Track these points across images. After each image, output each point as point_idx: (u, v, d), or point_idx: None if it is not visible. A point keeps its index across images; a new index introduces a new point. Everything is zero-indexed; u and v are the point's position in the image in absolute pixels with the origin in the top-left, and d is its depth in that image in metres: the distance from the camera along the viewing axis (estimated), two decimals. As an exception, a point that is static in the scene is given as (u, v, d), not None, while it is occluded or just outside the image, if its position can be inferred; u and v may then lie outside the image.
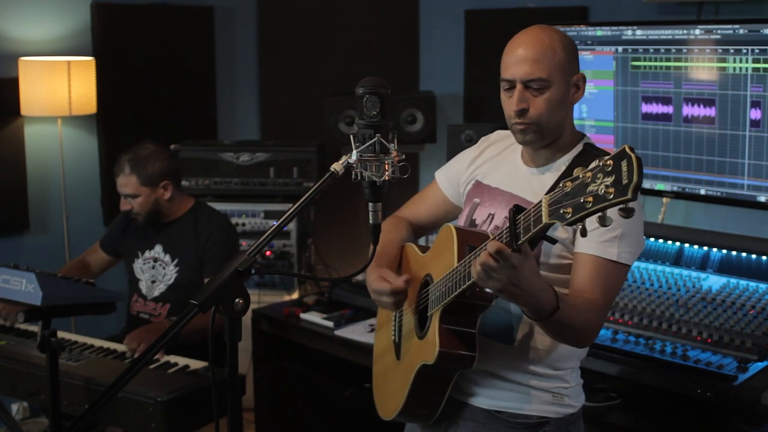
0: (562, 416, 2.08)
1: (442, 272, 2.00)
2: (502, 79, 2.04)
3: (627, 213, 1.43)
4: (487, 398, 2.09)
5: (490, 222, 2.13)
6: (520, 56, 1.99)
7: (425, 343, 2.03)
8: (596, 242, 1.93)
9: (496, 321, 2.04)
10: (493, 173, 2.21)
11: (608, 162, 1.45)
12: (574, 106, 2.09)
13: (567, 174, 2.02)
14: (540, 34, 2.02)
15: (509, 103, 2.03)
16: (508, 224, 1.69)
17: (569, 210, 1.50)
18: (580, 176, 1.50)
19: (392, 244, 2.32)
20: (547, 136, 2.04)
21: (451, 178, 2.32)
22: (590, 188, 1.46)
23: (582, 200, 1.47)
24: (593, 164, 1.48)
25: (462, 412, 2.11)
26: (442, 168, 2.38)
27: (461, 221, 2.22)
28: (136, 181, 3.33)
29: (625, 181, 1.41)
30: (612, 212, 1.49)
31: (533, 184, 2.09)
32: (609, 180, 1.43)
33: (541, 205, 1.58)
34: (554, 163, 2.09)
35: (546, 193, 1.60)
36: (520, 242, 1.66)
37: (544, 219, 1.56)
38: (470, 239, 1.98)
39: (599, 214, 1.46)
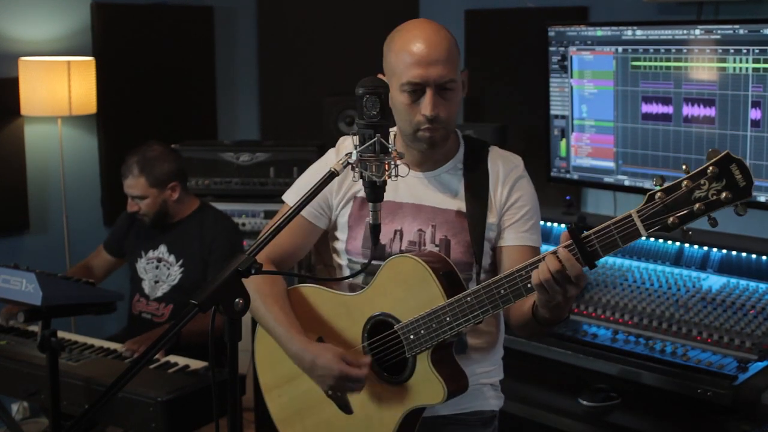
0: (500, 407, 2.15)
1: (418, 309, 1.89)
2: (406, 83, 1.90)
3: (743, 211, 1.57)
4: (445, 406, 2.02)
5: (400, 238, 2.03)
6: (428, 56, 1.89)
7: (416, 386, 1.93)
8: (520, 233, 2.01)
9: None
10: None
11: (711, 168, 1.55)
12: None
13: (472, 171, 2.02)
14: (437, 30, 1.95)
15: (416, 109, 1.91)
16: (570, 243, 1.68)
17: (676, 219, 1.59)
18: (682, 185, 1.58)
19: (285, 304, 2.07)
20: (449, 137, 2.02)
21: (315, 201, 2.06)
22: (696, 195, 1.57)
23: (694, 207, 1.57)
24: (690, 173, 1.58)
25: (424, 427, 2.03)
26: (293, 191, 2.14)
27: (355, 244, 2.07)
28: (145, 183, 3.33)
29: (742, 184, 1.55)
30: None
31: (435, 188, 2.04)
32: (719, 185, 1.56)
33: (631, 220, 1.63)
34: (448, 163, 2.06)
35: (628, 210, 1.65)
36: (599, 259, 1.69)
37: (643, 233, 1.63)
38: (438, 267, 1.90)
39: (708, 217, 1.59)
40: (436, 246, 2.00)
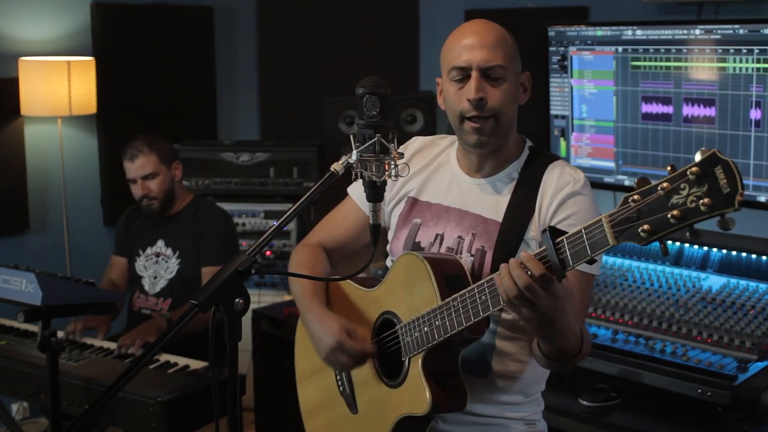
0: None
1: (417, 309, 1.83)
2: (454, 68, 1.85)
3: (728, 225, 1.29)
4: None
5: (440, 244, 1.94)
6: (475, 42, 1.83)
7: (406, 392, 1.85)
8: None
9: (470, 353, 1.87)
10: (428, 188, 2.01)
11: (693, 169, 1.29)
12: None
13: (525, 182, 1.88)
14: (489, 24, 1.89)
15: (461, 95, 1.84)
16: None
17: (647, 227, 1.34)
18: (658, 188, 1.34)
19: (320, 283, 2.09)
20: (502, 137, 1.88)
21: None
22: (674, 201, 1.31)
23: (668, 215, 1.32)
24: (672, 174, 1.33)
25: None
26: (357, 183, 2.06)
27: (398, 244, 2.01)
28: (156, 159, 3.40)
29: (726, 190, 1.26)
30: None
31: (486, 196, 1.93)
32: (700, 190, 1.29)
33: (601, 226, 1.42)
34: (503, 171, 1.93)
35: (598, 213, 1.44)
36: (569, 269, 1.50)
37: (611, 241, 1.40)
38: (445, 268, 1.83)
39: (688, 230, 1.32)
40: (471, 256, 1.89)
